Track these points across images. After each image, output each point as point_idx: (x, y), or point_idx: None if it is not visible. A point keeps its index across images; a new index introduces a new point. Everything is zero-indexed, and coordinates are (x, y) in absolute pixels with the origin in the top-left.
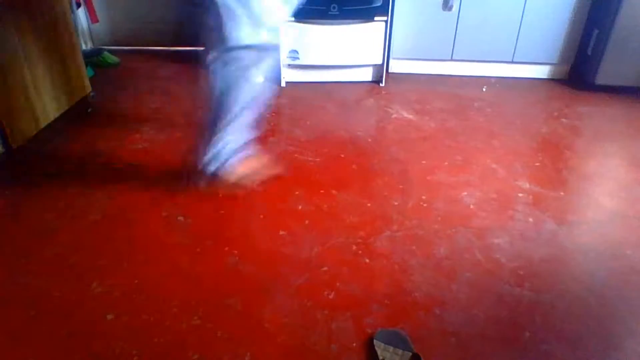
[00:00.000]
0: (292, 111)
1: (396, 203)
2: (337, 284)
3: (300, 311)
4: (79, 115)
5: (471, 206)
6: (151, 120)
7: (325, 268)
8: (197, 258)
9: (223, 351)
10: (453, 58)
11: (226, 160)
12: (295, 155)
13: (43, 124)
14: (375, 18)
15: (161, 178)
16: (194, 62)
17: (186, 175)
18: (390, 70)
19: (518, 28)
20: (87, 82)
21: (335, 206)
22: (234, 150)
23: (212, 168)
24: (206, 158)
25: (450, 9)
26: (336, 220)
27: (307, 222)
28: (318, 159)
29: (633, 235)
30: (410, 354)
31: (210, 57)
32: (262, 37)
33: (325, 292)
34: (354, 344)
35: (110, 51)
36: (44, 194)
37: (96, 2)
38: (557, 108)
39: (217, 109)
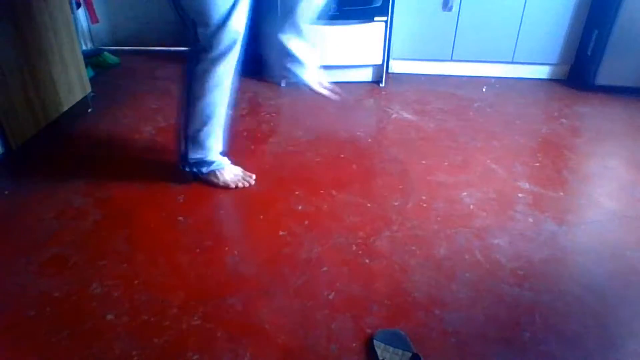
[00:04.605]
0: (292, 111)
1: (396, 203)
2: (337, 284)
3: (300, 311)
4: (79, 115)
5: (471, 206)
6: (151, 120)
7: (325, 268)
8: (197, 258)
9: (223, 351)
10: (453, 58)
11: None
12: (295, 155)
13: (43, 124)
14: (375, 18)
15: (162, 178)
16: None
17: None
18: (390, 71)
19: (518, 28)
20: (87, 83)
21: (335, 206)
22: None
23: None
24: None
25: (450, 9)
26: (336, 220)
27: (307, 222)
28: (318, 159)
29: (633, 235)
30: (410, 354)
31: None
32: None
33: (325, 292)
34: (354, 344)
35: (110, 51)
36: (44, 194)
37: (96, 2)
38: (557, 108)
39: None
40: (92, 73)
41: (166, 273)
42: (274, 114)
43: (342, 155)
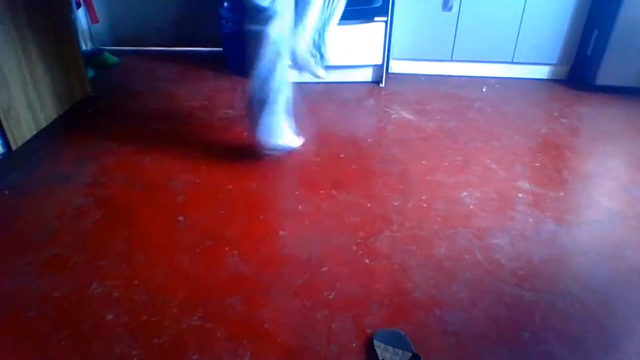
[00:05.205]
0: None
1: (396, 203)
2: (337, 284)
3: (300, 311)
4: (79, 115)
5: (471, 206)
6: (151, 120)
7: (325, 268)
8: (197, 258)
9: (223, 351)
10: (453, 58)
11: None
12: (296, 155)
13: (43, 124)
14: (375, 18)
15: (162, 178)
16: (194, 62)
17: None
18: (390, 71)
19: (518, 28)
20: (87, 83)
21: (335, 206)
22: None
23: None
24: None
25: (450, 9)
26: (336, 220)
27: (307, 222)
28: (318, 159)
29: (633, 235)
30: (410, 354)
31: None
32: None
33: (325, 293)
34: (354, 344)
35: (110, 51)
36: (44, 194)
37: (96, 2)
38: (557, 108)
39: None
40: (92, 73)
41: (166, 273)
42: None
43: (342, 155)
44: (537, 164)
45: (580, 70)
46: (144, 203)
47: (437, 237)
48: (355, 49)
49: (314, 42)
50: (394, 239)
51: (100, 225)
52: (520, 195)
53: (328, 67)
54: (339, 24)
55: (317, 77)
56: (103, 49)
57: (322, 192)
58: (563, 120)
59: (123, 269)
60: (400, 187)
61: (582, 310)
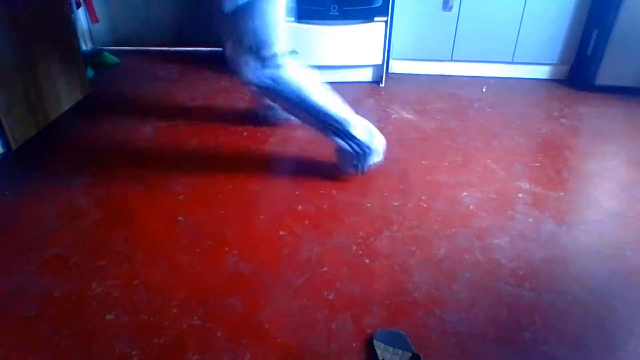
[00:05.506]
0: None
1: (396, 203)
2: (337, 284)
3: (300, 311)
4: (79, 115)
5: (471, 206)
6: (151, 120)
7: (325, 268)
8: (197, 258)
9: (223, 351)
10: (453, 58)
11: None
12: (296, 155)
13: (43, 124)
14: (375, 18)
15: (162, 178)
16: (194, 62)
17: None
18: (390, 71)
19: (518, 28)
20: (87, 83)
21: (335, 206)
22: None
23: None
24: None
25: (450, 9)
26: (336, 220)
27: (307, 222)
28: (318, 159)
29: (633, 235)
30: (410, 354)
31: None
32: None
33: (325, 292)
34: (354, 344)
35: (110, 51)
36: (44, 194)
37: (96, 2)
38: (557, 108)
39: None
40: (92, 73)
41: (166, 273)
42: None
43: None
44: (537, 164)
45: (580, 70)
46: (144, 203)
47: (437, 237)
48: (355, 49)
49: None
50: (394, 239)
51: (100, 225)
52: (520, 195)
53: (328, 67)
54: (339, 24)
55: None
56: (103, 49)
57: (322, 192)
58: (563, 120)
59: (123, 269)
60: (400, 187)
61: (582, 310)
